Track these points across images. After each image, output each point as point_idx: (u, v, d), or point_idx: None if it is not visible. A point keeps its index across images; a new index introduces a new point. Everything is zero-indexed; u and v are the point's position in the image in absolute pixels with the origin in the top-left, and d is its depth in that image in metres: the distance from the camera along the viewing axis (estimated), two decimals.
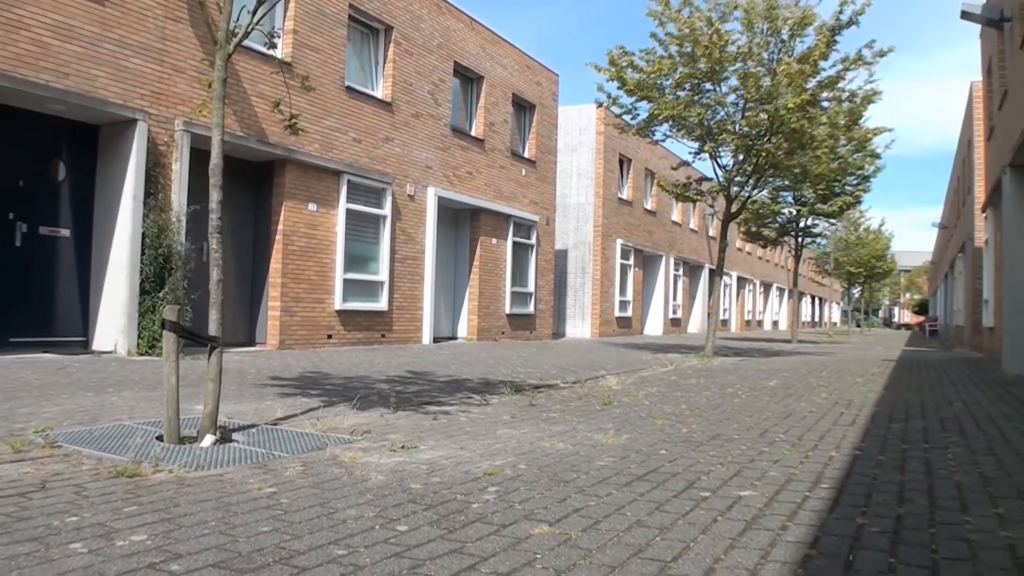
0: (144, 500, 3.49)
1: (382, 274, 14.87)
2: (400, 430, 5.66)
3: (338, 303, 13.72)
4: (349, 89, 14.06)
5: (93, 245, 10.84)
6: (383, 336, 14.86)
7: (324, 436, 5.27)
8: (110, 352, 10.52)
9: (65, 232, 10.65)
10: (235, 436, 5.33)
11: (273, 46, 6.53)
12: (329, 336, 13.60)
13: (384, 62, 15.19)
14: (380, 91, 15.09)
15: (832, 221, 30.15)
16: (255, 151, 12.40)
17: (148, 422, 5.64)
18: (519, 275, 19.95)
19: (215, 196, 5.47)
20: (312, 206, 13.21)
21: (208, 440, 5.01)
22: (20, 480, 3.84)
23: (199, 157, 11.54)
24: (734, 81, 14.32)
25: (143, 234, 10.62)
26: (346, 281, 13.89)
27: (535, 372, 10.66)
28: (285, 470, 4.26)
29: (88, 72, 10.16)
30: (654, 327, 30.64)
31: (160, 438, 5.02)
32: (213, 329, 5.40)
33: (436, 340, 16.52)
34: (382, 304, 14.85)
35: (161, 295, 10.66)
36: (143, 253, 10.62)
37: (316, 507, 3.47)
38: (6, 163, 10.06)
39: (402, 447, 4.98)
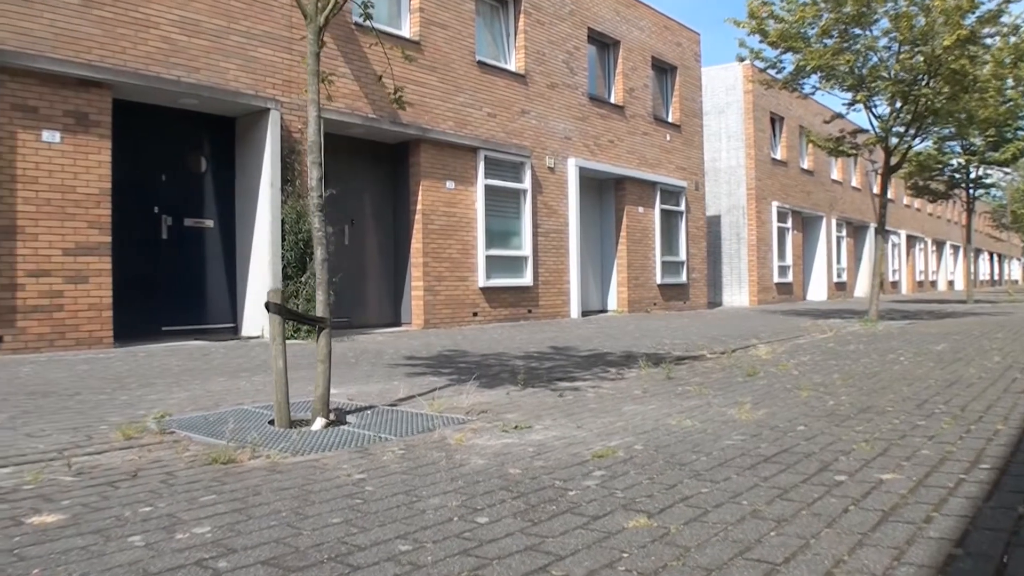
0: (227, 488, 3.30)
1: (525, 249, 14.44)
2: (521, 408, 5.25)
3: (481, 280, 13.39)
4: (481, 64, 13.66)
5: (237, 234, 10.88)
6: (529, 312, 14.45)
7: (439, 417, 4.94)
8: (257, 337, 10.54)
9: (209, 223, 10.72)
10: (349, 418, 5.09)
11: (368, 16, 6.20)
12: (474, 314, 13.30)
13: (515, 34, 14.71)
14: (513, 64, 14.63)
15: (1006, 170, 27.73)
16: (389, 132, 12.18)
17: (269, 406, 5.38)
18: (669, 244, 19.09)
19: (315, 174, 5.17)
20: (450, 184, 12.90)
21: (319, 423, 4.78)
22: (116, 468, 3.74)
23: (333, 141, 11.43)
24: (885, 23, 13.02)
25: (282, 220, 10.56)
26: (489, 258, 13.54)
27: (682, 343, 9.98)
28: (384, 454, 3.98)
29: (218, 65, 10.14)
30: (817, 292, 29.01)
31: (272, 423, 4.82)
32: (320, 310, 5.11)
33: (585, 314, 15.98)
34: (527, 279, 14.42)
35: (303, 279, 10.60)
36: (283, 239, 10.57)
37: (400, 495, 3.16)
38: (148, 159, 10.18)
39: (515, 427, 4.58)
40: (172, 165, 10.39)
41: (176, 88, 9.76)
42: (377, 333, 11.50)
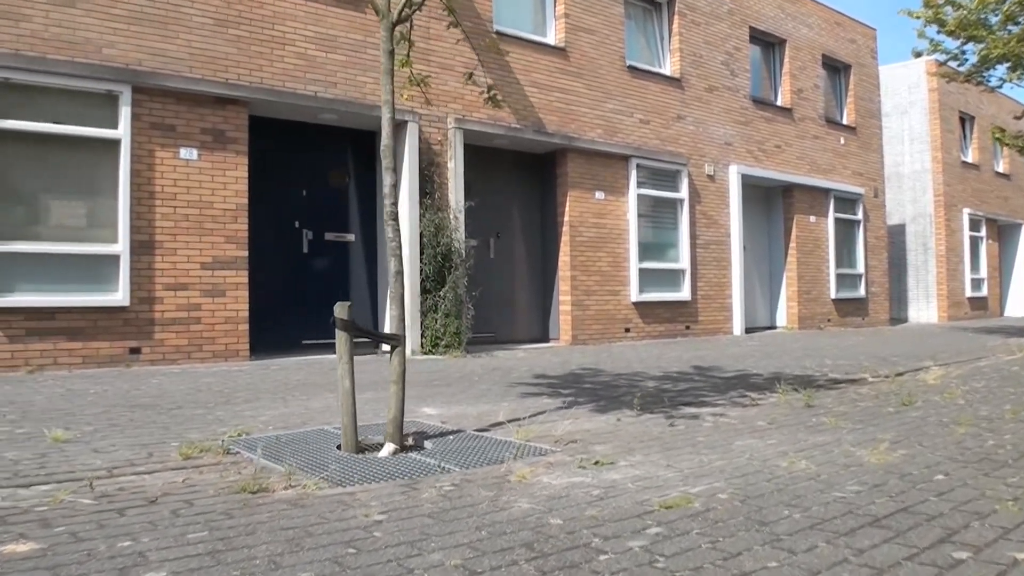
0: (227, 524, 2.97)
1: (683, 262, 13.41)
2: (617, 439, 4.53)
3: (634, 295, 12.49)
4: (631, 68, 12.80)
5: (378, 248, 10.53)
6: (687, 328, 13.40)
7: (522, 446, 4.36)
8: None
9: (351, 237, 10.42)
10: (427, 444, 4.58)
11: (452, 11, 5.67)
12: (627, 330, 12.41)
13: (669, 36, 13.74)
14: (667, 67, 13.65)
15: None
16: (534, 142, 11.54)
17: (360, 426, 4.98)
18: (845, 255, 17.42)
19: (387, 180, 4.64)
20: (599, 194, 12.11)
21: (387, 450, 4.28)
22: (142, 492, 3.49)
23: (475, 153, 10.93)
24: None
25: (420, 234, 10.11)
26: (642, 271, 12.61)
27: (845, 364, 8.76)
28: (429, 490, 3.48)
29: (355, 79, 9.83)
30: (1016, 308, 26.00)
31: (340, 447, 4.37)
32: (394, 326, 4.58)
33: (749, 330, 14.71)
34: (684, 294, 13.38)
35: (441, 293, 10.09)
36: (422, 252, 10.11)
37: (403, 545, 2.68)
38: (289, 174, 9.98)
39: (596, 463, 3.87)
40: (313, 180, 10.16)
41: (313, 103, 9.51)
42: (520, 349, 10.85)
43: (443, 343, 10.02)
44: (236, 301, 8.96)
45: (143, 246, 8.46)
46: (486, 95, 5.92)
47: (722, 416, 5.35)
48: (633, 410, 5.54)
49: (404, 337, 4.68)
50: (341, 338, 4.40)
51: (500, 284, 11.68)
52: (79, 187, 8.37)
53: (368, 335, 4.78)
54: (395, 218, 4.66)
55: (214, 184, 8.90)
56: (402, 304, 4.71)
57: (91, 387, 6.94)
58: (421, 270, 10.09)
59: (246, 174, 9.07)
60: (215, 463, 4.17)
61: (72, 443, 4.61)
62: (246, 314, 9.01)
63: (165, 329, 8.57)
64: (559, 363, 9.10)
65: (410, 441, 4.68)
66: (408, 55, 5.71)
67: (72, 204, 8.35)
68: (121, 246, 8.32)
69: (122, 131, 8.36)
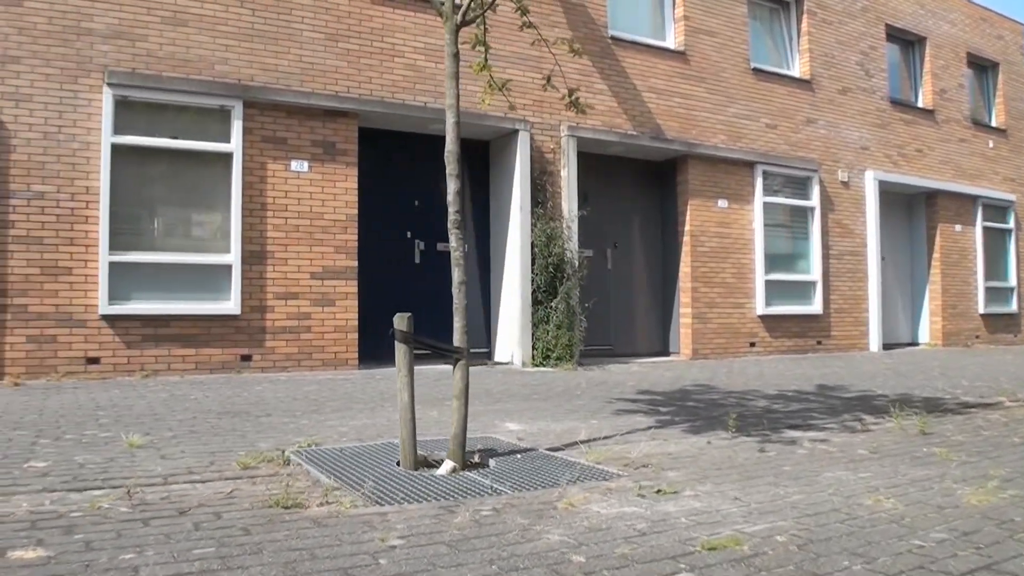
0: (237, 541, 2.82)
1: (813, 273, 12.53)
2: (696, 465, 4.12)
3: (760, 308, 11.73)
4: (756, 71, 12.09)
5: (491, 258, 10.28)
6: (819, 343, 12.49)
7: (588, 469, 4.07)
8: (506, 364, 9.81)
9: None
10: (491, 462, 4.31)
11: (525, 11, 5.37)
12: (752, 344, 11.67)
13: (798, 36, 12.93)
14: (796, 69, 12.83)
15: None
16: (652, 149, 11.04)
17: (431, 440, 4.83)
18: (995, 267, 15.91)
19: (452, 187, 4.46)
20: (722, 202, 11.47)
21: (446, 467, 4.04)
22: (179, 502, 3.39)
23: (588, 161, 10.55)
24: None
25: (532, 243, 9.79)
26: (768, 283, 11.84)
27: (983, 386, 7.89)
28: (465, 514, 3.22)
29: (465, 88, 9.54)
30: None
31: (400, 463, 4.17)
32: (457, 338, 4.37)
33: (888, 347, 13.56)
34: (815, 307, 12.48)
35: (553, 304, 9.72)
36: (533, 263, 9.78)
37: None
38: (400, 185, 9.87)
39: (658, 491, 3.49)
40: (425, 190, 10.00)
41: (423, 114, 9.36)
42: (636, 363, 10.34)
43: (554, 355, 9.63)
44: (346, 311, 8.87)
45: (254, 256, 8.48)
46: (568, 99, 5.57)
47: (823, 442, 4.78)
48: (729, 432, 5.03)
49: (467, 350, 4.40)
50: (400, 350, 4.21)
51: (618, 296, 11.20)
52: (193, 199, 8.48)
53: (429, 347, 4.48)
54: (459, 226, 4.47)
55: (324, 195, 8.86)
56: (465, 315, 4.46)
57: (193, 393, 6.93)
58: (532, 280, 9.75)
59: (356, 185, 9.00)
60: (270, 474, 3.99)
61: (145, 449, 4.52)
62: (356, 323, 8.91)
63: (275, 337, 8.55)
64: (671, 378, 8.56)
65: (476, 459, 4.38)
66: (486, 59, 5.47)
67: (187, 216, 8.47)
68: (233, 256, 8.37)
69: (234, 145, 8.43)
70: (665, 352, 11.43)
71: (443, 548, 2.75)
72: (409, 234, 9.86)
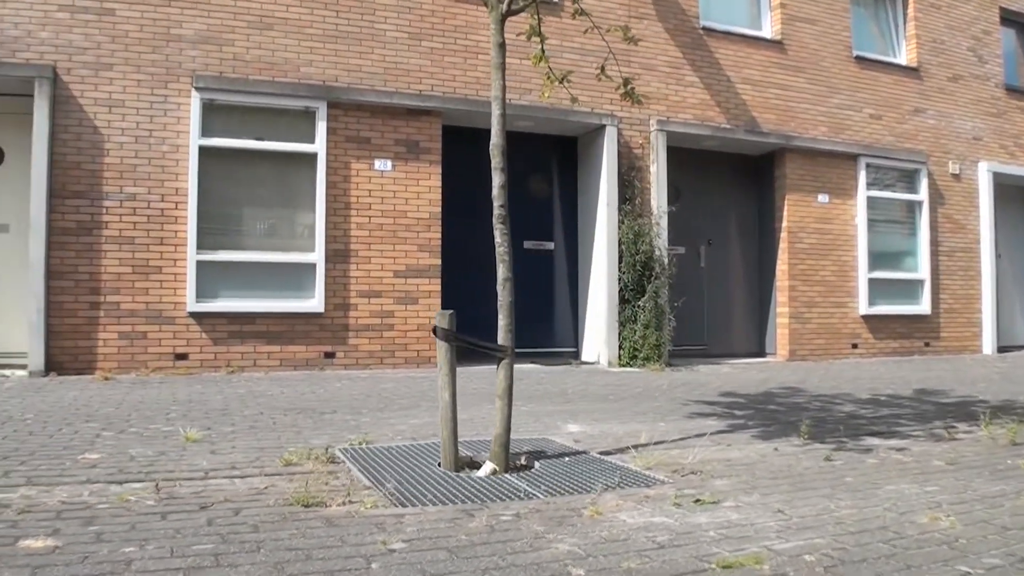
0: (240, 539, 2.78)
1: (921, 271, 11.71)
2: (750, 473, 3.91)
3: (863, 307, 11.04)
4: (859, 59, 11.38)
5: (579, 256, 10.01)
6: (927, 345, 11.67)
7: (631, 475, 3.88)
8: (593, 363, 9.52)
9: (550, 245, 9.97)
10: (536, 464, 4.15)
11: None
12: (854, 346, 11.00)
13: (904, 22, 12.12)
14: (902, 56, 12.03)
15: None
16: (748, 143, 10.54)
17: (481, 441, 4.73)
18: None
19: (496, 180, 4.37)
20: (822, 197, 10.86)
21: (485, 469, 3.90)
22: (209, 497, 3.40)
23: (680, 156, 10.18)
24: None
25: (619, 241, 9.48)
26: (872, 281, 11.13)
27: None
28: (484, 519, 3.11)
29: (552, 85, 9.37)
30: None
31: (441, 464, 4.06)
32: (502, 337, 4.21)
33: (1003, 349, 12.50)
34: (923, 307, 11.66)
35: (640, 303, 9.38)
36: (620, 260, 9.47)
37: None
38: (485, 183, 9.65)
39: (696, 501, 3.28)
40: (512, 188, 9.79)
41: (508, 111, 9.15)
42: (729, 364, 9.88)
43: (641, 355, 9.29)
44: (428, 309, 8.77)
45: (338, 254, 8.48)
46: (622, 89, 5.30)
47: (899, 451, 4.39)
48: (801, 438, 4.66)
49: (511, 349, 4.20)
50: (441, 348, 4.10)
51: (712, 294, 10.75)
52: (278, 199, 8.53)
53: (472, 345, 4.28)
54: (503, 221, 4.31)
55: (407, 194, 8.79)
56: (510, 314, 4.27)
57: (271, 389, 6.95)
58: (619, 279, 9.43)
59: (439, 183, 8.89)
60: (309, 471, 3.90)
61: (199, 443, 4.52)
62: None
63: (359, 335, 8.53)
64: (760, 380, 8.12)
65: (523, 460, 4.21)
66: (543, 50, 5.25)
67: (272, 215, 8.51)
68: (317, 255, 8.38)
69: (319, 145, 8.44)
70: (762, 353, 10.90)
71: (443, 554, 2.58)
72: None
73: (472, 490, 3.57)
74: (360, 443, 4.62)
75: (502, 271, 4.31)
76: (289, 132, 8.44)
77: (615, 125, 9.59)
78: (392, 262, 8.68)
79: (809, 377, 8.46)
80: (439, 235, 8.85)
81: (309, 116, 8.47)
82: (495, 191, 4.33)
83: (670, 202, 10.01)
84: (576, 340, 9.98)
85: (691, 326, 10.43)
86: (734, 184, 11.04)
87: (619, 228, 9.48)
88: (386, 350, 8.60)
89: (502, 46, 4.40)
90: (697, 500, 3.29)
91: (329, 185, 8.46)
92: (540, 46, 5.16)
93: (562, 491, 3.53)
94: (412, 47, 8.92)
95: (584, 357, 9.80)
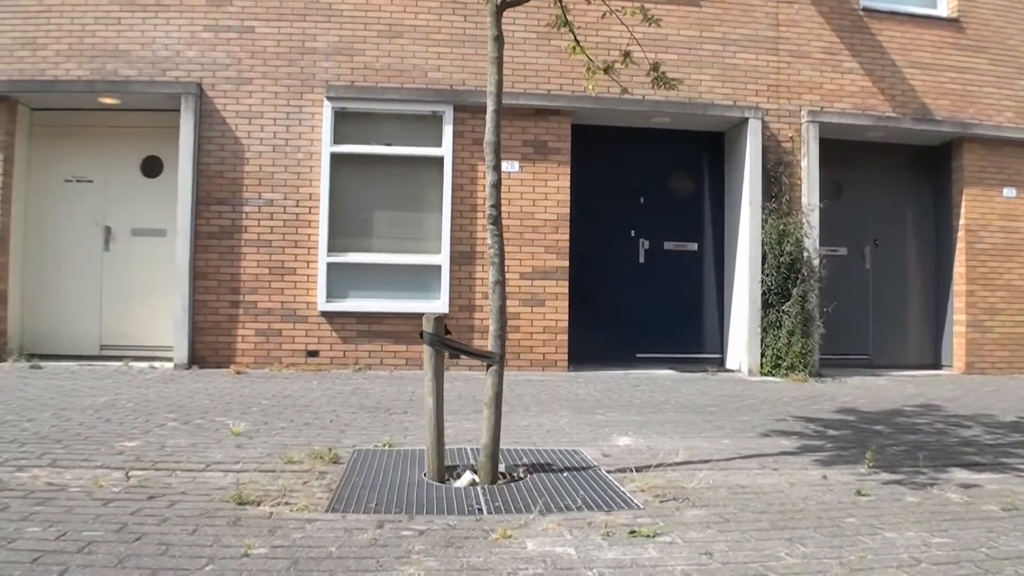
0: (134, 530, 2.89)
1: None
2: (740, 505, 3.68)
3: None
4: None
5: (725, 258, 9.44)
6: None
7: (612, 495, 3.66)
8: (734, 372, 8.94)
9: (693, 246, 9.47)
10: (528, 478, 3.99)
11: None
12: None
13: None
14: None
15: None
16: (918, 132, 9.47)
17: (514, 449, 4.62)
18: None
19: (489, 178, 4.18)
20: (1008, 191, 9.57)
21: (464, 480, 3.83)
22: (161, 489, 3.52)
23: (839, 149, 9.42)
24: None
25: (762, 241, 8.84)
26: None
27: None
28: (375, 533, 3.06)
29: (689, 78, 8.91)
30: None
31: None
32: (491, 343, 4.06)
33: None
34: None
35: (785, 308, 8.69)
36: (763, 262, 8.83)
37: None
38: (624, 182, 9.38)
39: (632, 532, 3.14)
40: (652, 187, 9.42)
41: (642, 107, 8.80)
42: (891, 376, 8.92)
43: (785, 364, 8.61)
44: (556, 311, 8.59)
45: (464, 256, 8.49)
46: (653, 74, 4.91)
47: (967, 488, 3.88)
48: (866, 466, 4.14)
49: (501, 356, 3.98)
50: (427, 353, 3.93)
51: (879, 299, 9.76)
52: (406, 202, 8.66)
53: (459, 351, 4.13)
54: (494, 221, 4.12)
55: (535, 195, 8.65)
56: (500, 318, 4.06)
57: (376, 387, 7.06)
58: (762, 282, 8.79)
59: (568, 184, 8.68)
60: (301, 470, 3.92)
61: (238, 437, 4.71)
62: (566, 324, 8.59)
63: (484, 336, 8.45)
64: (904, 396, 7.27)
65: (520, 472, 3.99)
66: (576, 41, 4.96)
67: (399, 218, 8.65)
68: (443, 256, 8.44)
69: (445, 148, 8.50)
70: (937, 365, 9.76)
71: (282, 564, 2.45)
72: (633, 232, 9.33)
73: (428, 501, 3.43)
74: (385, 445, 4.56)
75: (493, 274, 4.09)
76: (416, 137, 8.57)
77: (759, 118, 8.94)
78: (519, 264, 8.57)
79: (968, 395, 7.47)
80: (567, 236, 8.64)
81: (436, 120, 8.56)
82: (488, 189, 4.12)
83: (830, 199, 9.23)
84: (721, 347, 9.40)
85: (853, 334, 9.56)
86: (904, 178, 9.97)
87: (762, 228, 8.84)
88: (511, 352, 8.48)
89: (498, 39, 4.21)
90: (633, 532, 3.02)
91: (455, 188, 8.50)
92: (572, 36, 4.87)
93: (511, 509, 3.32)
94: (540, 47, 8.77)
95: (728, 365, 9.22)
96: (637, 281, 9.30)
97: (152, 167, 8.69)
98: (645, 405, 6.37)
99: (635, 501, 3.51)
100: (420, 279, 8.49)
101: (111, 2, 8.28)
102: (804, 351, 8.59)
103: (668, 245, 9.40)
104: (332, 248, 8.33)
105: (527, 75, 8.72)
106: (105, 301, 8.57)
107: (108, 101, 8.35)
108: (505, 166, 8.60)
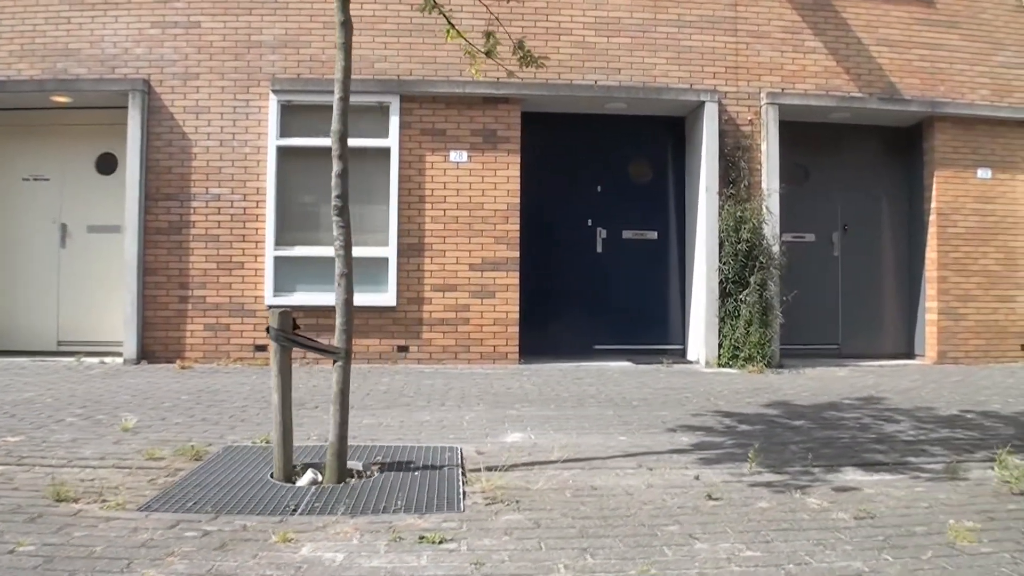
0: None
1: None
2: (571, 509, 3.59)
3: None
4: None
5: (686, 246, 9.23)
6: None
7: (448, 497, 3.61)
8: (692, 363, 8.75)
9: (652, 234, 9.29)
10: (377, 476, 3.96)
11: None
12: (1023, 347, 9.26)
13: None
14: None
15: None
16: (885, 112, 9.11)
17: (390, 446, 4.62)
18: None
19: (335, 168, 4.23)
20: (983, 172, 9.17)
21: (306, 479, 3.80)
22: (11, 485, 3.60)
23: (804, 132, 9.19)
24: None
25: (719, 228, 8.63)
26: None
27: None
28: (154, 534, 3.06)
29: (643, 62, 8.74)
30: None
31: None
32: (336, 337, 4.03)
33: None
34: None
35: (742, 296, 8.48)
36: (720, 250, 8.61)
37: None
38: (578, 171, 9.22)
39: (421, 539, 3.08)
40: (608, 175, 9.24)
41: (595, 93, 8.64)
42: (857, 366, 8.65)
43: (742, 355, 8.40)
44: (506, 303, 8.49)
45: (412, 248, 8.43)
46: (519, 53, 4.79)
47: (845, 492, 3.83)
48: (751, 467, 4.03)
49: (346, 351, 3.91)
50: (273, 349, 3.93)
51: (849, 287, 9.46)
52: (354, 195, 8.37)
53: (305, 346, 4.06)
54: (340, 212, 4.06)
55: (484, 185, 8.54)
56: (346, 312, 3.98)
57: (306, 382, 7.03)
58: (720, 270, 8.57)
59: (518, 173, 8.55)
60: (157, 467, 3.98)
61: (124, 433, 4.71)
62: (516, 316, 8.48)
63: (432, 329, 8.43)
64: (854, 389, 7.02)
65: (374, 471, 3.96)
66: (449, 24, 4.85)
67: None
68: (390, 249, 8.39)
69: (391, 139, 8.44)
70: (910, 354, 9.42)
71: (35, 561, 2.56)
72: (590, 222, 9.17)
73: (251, 500, 3.45)
74: (263, 441, 4.57)
75: (339, 266, 4.05)
76: (363, 128, 8.48)
77: (715, 101, 8.70)
78: (468, 255, 8.49)
79: (926, 386, 7.19)
80: (517, 227, 8.52)
81: (383, 111, 8.50)
82: (333, 179, 4.07)
83: (797, 183, 9.00)
84: (683, 338, 9.21)
85: (821, 323, 9.31)
86: (875, 162, 9.62)
87: (719, 214, 8.63)
88: (461, 344, 8.43)
89: (345, 24, 4.14)
90: (422, 537, 3.05)
91: (403, 179, 8.43)
92: (446, 20, 4.75)
93: (326, 511, 3.38)
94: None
95: (689, 356, 9.02)
96: (595, 271, 9.14)
97: (107, 164, 8.78)
98: (571, 399, 6.25)
99: (463, 503, 3.45)
100: (368, 272, 8.42)
101: (61, 2, 8.36)
102: (762, 341, 8.37)
103: (627, 234, 9.23)
104: (279, 242, 8.34)
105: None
106: (62, 297, 8.70)
107: (60, 100, 8.45)
108: (454, 156, 8.53)
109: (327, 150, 8.24)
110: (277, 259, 8.31)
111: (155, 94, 8.34)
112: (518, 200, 8.54)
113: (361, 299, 8.24)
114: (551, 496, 3.58)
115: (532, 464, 4.09)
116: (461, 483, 3.75)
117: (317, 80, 8.38)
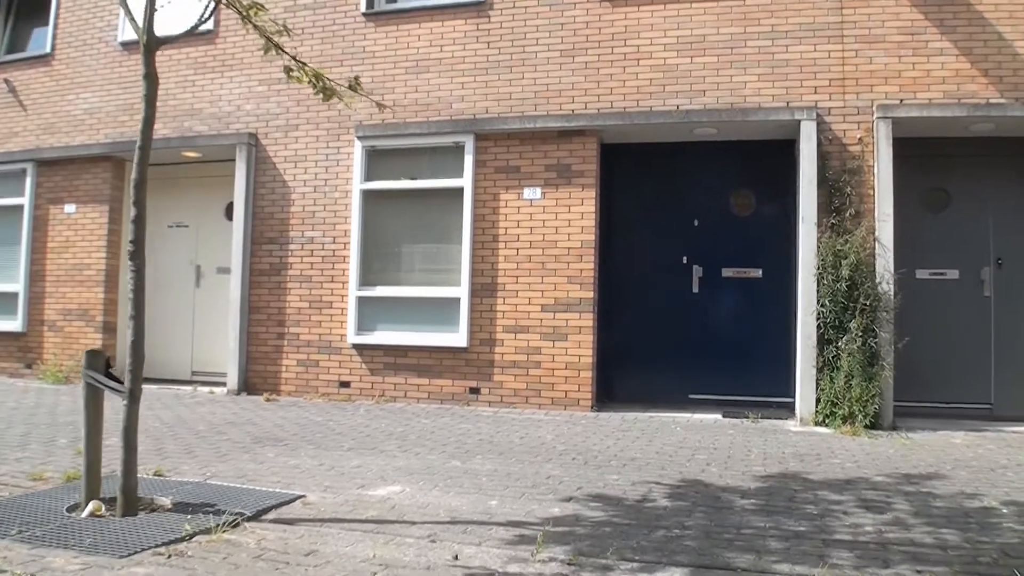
0: None
1: None
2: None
3: None
4: None
5: (791, 286, 8.17)
6: None
7: (178, 541, 3.61)
8: (787, 420, 7.68)
9: (756, 272, 8.36)
10: (163, 515, 4.01)
11: None
12: None
13: None
14: None
15: None
16: None
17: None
18: None
19: (132, 213, 4.35)
20: None
21: (88, 510, 3.99)
22: None
23: (923, 149, 7.84)
24: None
25: (816, 265, 7.55)
26: None
27: None
28: None
29: (730, 81, 7.94)
30: None
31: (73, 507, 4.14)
32: (127, 376, 4.15)
33: None
34: None
35: (842, 343, 7.33)
36: (818, 290, 7.53)
37: None
38: (670, 203, 8.55)
39: None
40: (704, 207, 8.46)
41: (674, 119, 7.96)
42: (1001, 431, 7.12)
43: (840, 412, 7.22)
44: (579, 346, 8.08)
45: (484, 288, 8.32)
46: (351, 85, 4.61)
47: None
48: (536, 552, 3.52)
49: (131, 391, 4.04)
50: (83, 386, 4.18)
51: (1005, 333, 7.76)
52: (429, 235, 8.69)
53: (100, 383, 4.14)
54: (132, 256, 4.21)
55: (557, 222, 8.22)
56: (136, 352, 4.14)
57: (355, 421, 7.13)
58: (818, 313, 7.48)
59: (593, 209, 8.13)
60: (22, 486, 4.33)
61: (75, 457, 5.10)
62: (590, 360, 8.03)
63: (504, 371, 8.25)
64: (942, 461, 5.77)
65: (169, 506, 4.02)
66: (298, 62, 4.78)
67: (423, 251, 8.73)
68: (463, 289, 8.35)
69: (466, 178, 8.41)
70: None
71: None
72: (685, 259, 8.45)
73: (22, 524, 3.71)
74: (155, 474, 4.81)
75: (131, 308, 4.15)
76: (440, 169, 8.57)
77: (812, 119, 7.62)
78: (540, 295, 8.20)
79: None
80: (592, 265, 8.08)
81: (459, 151, 8.49)
82: (129, 224, 4.25)
83: (935, 211, 7.68)
84: (790, 389, 8.11)
85: (968, 377, 7.77)
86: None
87: (816, 248, 7.55)
88: (532, 388, 8.15)
89: (148, 76, 4.31)
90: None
91: (476, 218, 8.36)
92: (292, 59, 4.72)
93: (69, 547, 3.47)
94: (564, 65, 8.31)
95: (799, 411, 7.91)
96: (691, 313, 8.40)
97: (232, 211, 9.66)
98: (557, 453, 5.76)
99: (164, 551, 3.45)
100: (441, 312, 8.47)
101: (187, 67, 9.38)
102: (864, 396, 7.14)
103: (727, 272, 8.38)
104: (362, 282, 8.63)
105: (549, 96, 8.32)
106: (196, 332, 9.68)
107: (189, 155, 9.46)
108: (527, 193, 8.32)
109: (407, 192, 8.55)
110: (359, 299, 8.61)
111: (261, 146, 9.04)
112: (593, 237, 8.10)
113: (434, 339, 8.40)
114: (261, 561, 3.35)
115: (332, 521, 3.89)
116: (190, 528, 3.68)
117: (397, 124, 8.59)
